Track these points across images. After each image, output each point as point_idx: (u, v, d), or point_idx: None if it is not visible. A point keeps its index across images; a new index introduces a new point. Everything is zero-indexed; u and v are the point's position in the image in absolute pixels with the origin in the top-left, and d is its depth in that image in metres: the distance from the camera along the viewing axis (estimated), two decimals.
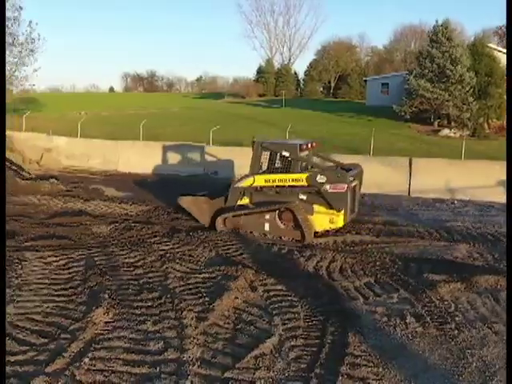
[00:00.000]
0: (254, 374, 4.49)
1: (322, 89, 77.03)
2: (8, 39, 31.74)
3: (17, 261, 7.45)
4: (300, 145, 9.18)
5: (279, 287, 6.58)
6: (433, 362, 4.86)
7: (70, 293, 6.23)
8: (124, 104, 53.16)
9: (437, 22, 29.60)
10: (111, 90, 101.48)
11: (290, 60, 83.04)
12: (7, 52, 32.08)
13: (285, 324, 5.51)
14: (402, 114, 29.36)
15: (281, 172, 9.13)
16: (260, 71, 75.64)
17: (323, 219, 8.85)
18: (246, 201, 9.35)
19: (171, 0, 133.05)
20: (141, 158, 17.04)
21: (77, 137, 19.86)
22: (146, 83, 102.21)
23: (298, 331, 5.36)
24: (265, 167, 9.56)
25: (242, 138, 21.74)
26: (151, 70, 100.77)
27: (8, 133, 19.03)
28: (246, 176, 9.40)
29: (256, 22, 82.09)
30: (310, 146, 9.61)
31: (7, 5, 30.87)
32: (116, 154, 17.42)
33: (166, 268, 7.22)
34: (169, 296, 6.12)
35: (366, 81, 46.76)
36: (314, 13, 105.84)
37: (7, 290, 6.21)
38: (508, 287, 5.87)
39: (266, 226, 9.10)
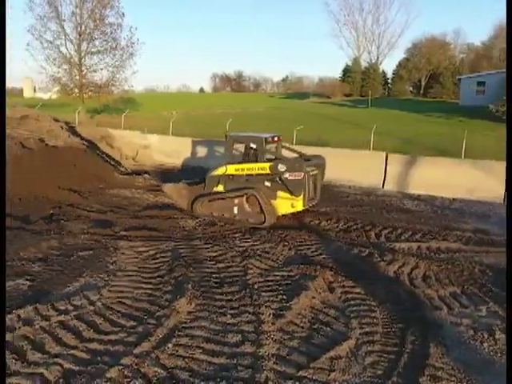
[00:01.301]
0: (328, 375, 4.50)
1: (411, 88, 74.03)
2: (112, 44, 34.32)
3: (112, 249, 8.10)
4: (265, 138, 10.12)
5: (358, 290, 6.49)
6: None
7: (158, 281, 6.65)
8: (212, 104, 55.09)
9: None
10: (201, 90, 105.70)
11: (377, 59, 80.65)
12: (110, 56, 34.72)
13: (362, 328, 5.44)
14: (500, 114, 27.28)
15: (251, 162, 10.14)
16: (346, 70, 74.48)
17: (285, 204, 9.77)
18: (220, 187, 10.49)
19: (259, 1, 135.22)
20: (223, 155, 17.57)
21: (168, 135, 20.96)
22: (234, 83, 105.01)
23: (376, 336, 5.27)
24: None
25: (327, 138, 21.58)
26: (239, 70, 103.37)
27: (109, 130, 20.70)
28: (220, 165, 10.61)
29: (344, 20, 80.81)
30: (275, 139, 10.54)
31: (112, 12, 33.38)
32: (204, 151, 18.13)
33: (246, 264, 7.43)
34: (248, 291, 6.31)
35: (459, 79, 44.06)
36: (405, 9, 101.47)
37: (103, 275, 6.81)
38: (508, 287, 5.67)
39: (235, 210, 10.07)
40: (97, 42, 33.86)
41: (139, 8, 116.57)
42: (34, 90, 67.80)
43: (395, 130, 24.66)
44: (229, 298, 6.13)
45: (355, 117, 35.95)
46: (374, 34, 79.62)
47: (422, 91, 69.00)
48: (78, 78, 34.38)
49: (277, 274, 7.04)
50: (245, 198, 9.95)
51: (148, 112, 40.19)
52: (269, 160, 10.01)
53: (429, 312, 5.95)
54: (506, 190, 6.00)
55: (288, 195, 9.64)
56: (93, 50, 34.27)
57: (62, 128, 16.78)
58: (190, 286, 6.36)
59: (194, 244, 8.48)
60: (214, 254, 7.92)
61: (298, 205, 9.68)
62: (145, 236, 8.93)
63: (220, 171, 10.43)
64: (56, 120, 17.77)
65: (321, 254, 8.04)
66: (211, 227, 9.67)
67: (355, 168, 15.15)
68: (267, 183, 9.78)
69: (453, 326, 5.59)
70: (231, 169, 10.25)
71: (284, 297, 6.15)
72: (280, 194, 9.73)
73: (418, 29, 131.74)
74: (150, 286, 6.47)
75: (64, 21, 32.89)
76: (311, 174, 9.85)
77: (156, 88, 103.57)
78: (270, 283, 6.67)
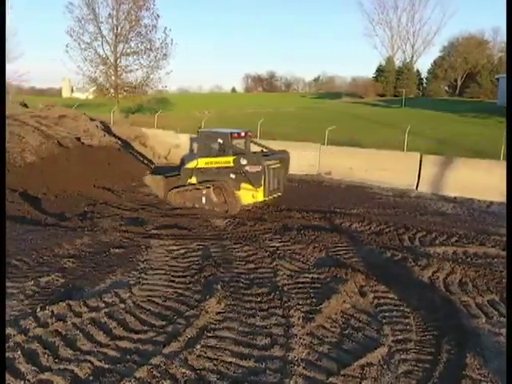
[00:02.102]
0: (359, 383, 4.37)
1: (446, 88, 72.16)
2: (147, 45, 34.87)
3: (144, 247, 8.18)
4: (231, 133, 10.86)
5: (390, 295, 6.30)
6: None
7: (188, 281, 6.65)
8: (244, 103, 55.26)
9: None
10: (233, 90, 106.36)
11: (412, 58, 78.86)
12: (145, 57, 35.27)
13: (395, 335, 5.27)
14: None
15: (220, 156, 10.88)
16: (380, 70, 73.31)
17: (247, 194, 10.58)
18: (193, 180, 11.45)
19: (291, 1, 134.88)
20: None
21: None
22: (266, 84, 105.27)
23: (410, 344, 5.09)
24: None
25: (359, 138, 21.24)
26: (271, 70, 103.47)
27: (142, 130, 21.02)
28: (192, 159, 11.56)
29: (378, 19, 79.34)
30: (242, 134, 11.15)
31: (147, 13, 33.93)
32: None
33: (276, 265, 7.34)
34: (277, 293, 6.22)
35: (498, 79, 42.55)
36: (441, 7, 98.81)
37: (135, 273, 6.88)
38: (508, 287, 5.95)
39: (203, 200, 11.00)
40: (132, 43, 34.46)
41: (170, 8, 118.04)
42: (72, 91, 69.60)
43: (429, 131, 24.05)
44: (258, 299, 6.06)
45: (388, 117, 35.29)
46: (408, 32, 77.96)
47: (458, 91, 67.16)
48: (113, 78, 35.10)
49: (307, 276, 6.92)
50: (211, 189, 10.81)
51: (181, 112, 40.67)
52: (235, 154, 10.76)
53: (465, 320, 5.72)
54: (507, 190, 6.03)
55: (250, 186, 10.46)
56: (128, 50, 34.92)
57: (97, 127, 17.15)
58: (219, 286, 6.33)
59: (224, 244, 8.46)
60: (244, 255, 7.87)
61: (259, 196, 10.52)
62: (175, 235, 8.99)
63: (192, 164, 11.44)
64: (92, 119, 18.18)
65: (352, 257, 7.87)
66: (241, 227, 9.64)
67: (388, 169, 14.86)
68: (232, 176, 10.61)
69: (491, 336, 5.35)
70: (202, 162, 11.19)
71: (314, 300, 6.04)
72: (243, 185, 10.56)
73: (455, 27, 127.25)
74: (179, 285, 6.48)
75: (101, 23, 33.64)
76: (272, 167, 10.60)
77: (189, 88, 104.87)
78: (299, 285, 6.56)
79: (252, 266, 7.36)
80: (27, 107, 22.20)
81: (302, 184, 14.90)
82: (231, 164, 10.57)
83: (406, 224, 10.01)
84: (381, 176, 14.88)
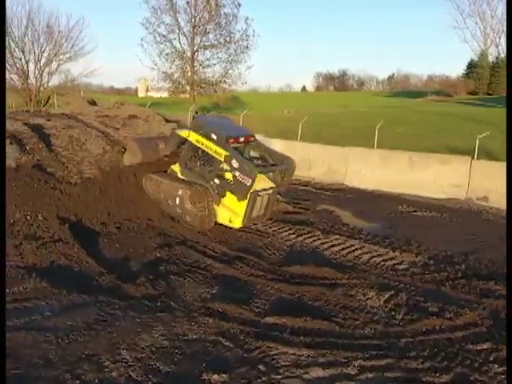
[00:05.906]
0: None
1: None
2: (226, 37, 31.65)
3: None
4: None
5: None
6: None
7: None
8: (316, 102, 51.56)
9: None
10: (303, 89, 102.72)
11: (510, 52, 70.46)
12: (224, 49, 32.08)
13: None
14: None
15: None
16: (471, 66, 66.44)
17: (225, 215, 8.85)
18: (177, 169, 9.71)
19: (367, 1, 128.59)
20: (376, 170, 13.33)
21: (293, 139, 17.06)
22: (337, 82, 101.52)
23: None
24: None
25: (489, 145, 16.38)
26: (343, 68, 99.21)
27: None
28: (186, 128, 9.94)
29: (469, 10, 71.58)
30: (241, 140, 9.20)
31: (227, 2, 30.68)
32: (344, 163, 14.03)
33: None
34: None
35: None
36: None
37: None
38: (508, 287, 4.82)
39: (177, 200, 9.14)
40: (210, 36, 31.65)
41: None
42: (147, 90, 69.96)
43: None
44: None
45: (492, 117, 29.47)
46: (504, 24, 69.34)
47: None
48: (189, 74, 32.47)
49: None
50: (189, 192, 8.84)
51: (256, 111, 37.46)
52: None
53: None
54: (507, 190, 5.26)
55: (231, 206, 8.73)
56: (206, 44, 32.11)
57: None
58: None
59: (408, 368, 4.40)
60: None
61: (236, 222, 8.75)
62: (309, 334, 5.05)
63: (184, 134, 9.64)
64: (167, 121, 14.84)
65: None
66: (419, 321, 5.44)
67: None
68: (216, 180, 8.90)
69: None
70: (193, 135, 9.36)
71: None
72: (225, 201, 8.79)
73: None
74: None
75: (178, 13, 31.07)
76: (260, 194, 8.69)
77: (258, 87, 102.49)
78: None
79: None
80: (96, 105, 19.55)
81: (452, 215, 10.46)
82: (221, 157, 8.65)
83: None
84: None
